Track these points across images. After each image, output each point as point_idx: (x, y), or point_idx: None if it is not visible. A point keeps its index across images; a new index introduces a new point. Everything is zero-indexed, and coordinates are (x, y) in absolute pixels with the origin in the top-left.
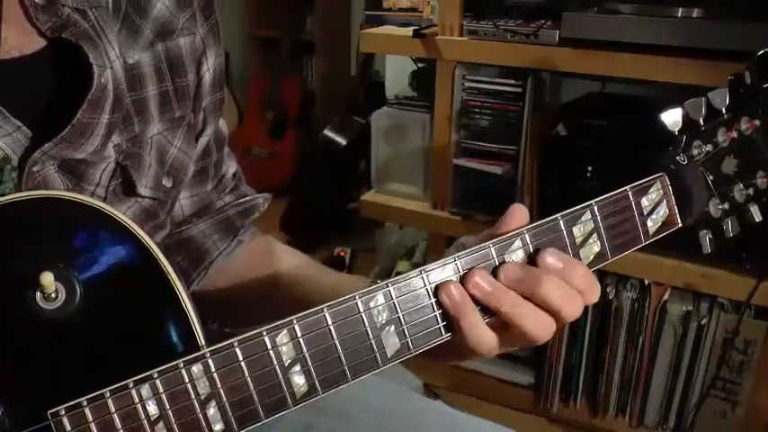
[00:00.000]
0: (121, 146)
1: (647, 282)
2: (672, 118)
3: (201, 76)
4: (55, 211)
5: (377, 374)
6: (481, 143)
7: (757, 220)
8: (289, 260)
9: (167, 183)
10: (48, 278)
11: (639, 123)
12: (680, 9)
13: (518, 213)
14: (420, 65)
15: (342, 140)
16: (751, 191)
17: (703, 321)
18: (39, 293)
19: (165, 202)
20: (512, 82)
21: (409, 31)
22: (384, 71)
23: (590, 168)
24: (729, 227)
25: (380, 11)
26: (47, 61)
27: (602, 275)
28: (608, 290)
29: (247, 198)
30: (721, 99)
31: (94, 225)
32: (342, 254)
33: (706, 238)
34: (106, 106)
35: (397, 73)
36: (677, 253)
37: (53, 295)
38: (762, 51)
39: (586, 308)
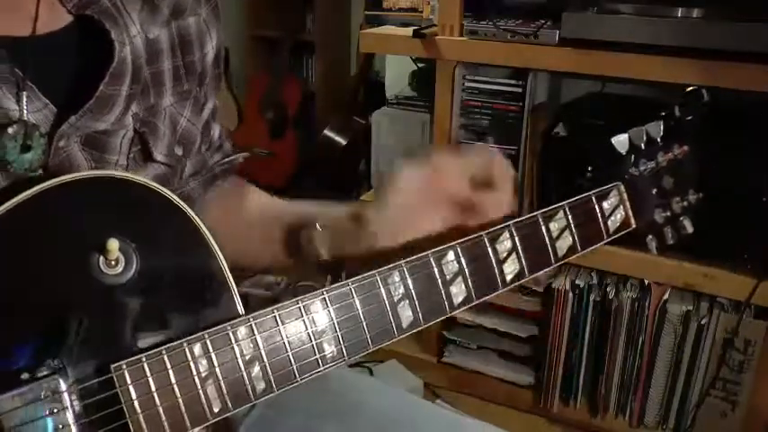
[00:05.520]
0: (139, 115)
1: (647, 282)
2: (620, 141)
3: (206, 54)
4: (108, 189)
5: (375, 378)
6: (481, 143)
7: (689, 231)
8: (257, 198)
9: (179, 151)
10: (113, 244)
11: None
12: (680, 9)
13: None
14: (420, 65)
15: (342, 140)
16: (685, 204)
17: (703, 321)
18: (102, 259)
19: (177, 169)
20: (512, 82)
21: (409, 31)
22: (384, 71)
23: (590, 168)
24: (669, 234)
25: (380, 11)
26: (72, 37)
27: (601, 275)
28: (608, 290)
29: (230, 158)
30: (656, 130)
31: (147, 201)
32: None
33: (652, 242)
34: (126, 78)
35: (397, 73)
36: (677, 253)
37: (113, 262)
38: (688, 89)
39: (586, 308)
